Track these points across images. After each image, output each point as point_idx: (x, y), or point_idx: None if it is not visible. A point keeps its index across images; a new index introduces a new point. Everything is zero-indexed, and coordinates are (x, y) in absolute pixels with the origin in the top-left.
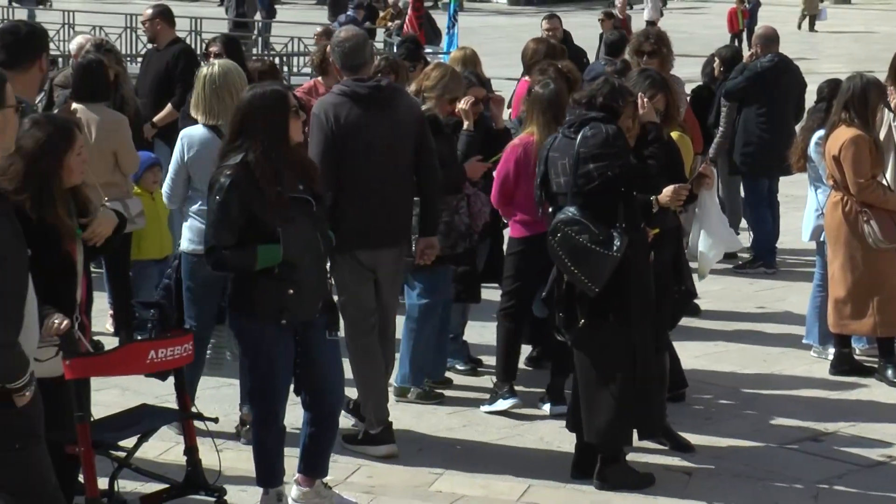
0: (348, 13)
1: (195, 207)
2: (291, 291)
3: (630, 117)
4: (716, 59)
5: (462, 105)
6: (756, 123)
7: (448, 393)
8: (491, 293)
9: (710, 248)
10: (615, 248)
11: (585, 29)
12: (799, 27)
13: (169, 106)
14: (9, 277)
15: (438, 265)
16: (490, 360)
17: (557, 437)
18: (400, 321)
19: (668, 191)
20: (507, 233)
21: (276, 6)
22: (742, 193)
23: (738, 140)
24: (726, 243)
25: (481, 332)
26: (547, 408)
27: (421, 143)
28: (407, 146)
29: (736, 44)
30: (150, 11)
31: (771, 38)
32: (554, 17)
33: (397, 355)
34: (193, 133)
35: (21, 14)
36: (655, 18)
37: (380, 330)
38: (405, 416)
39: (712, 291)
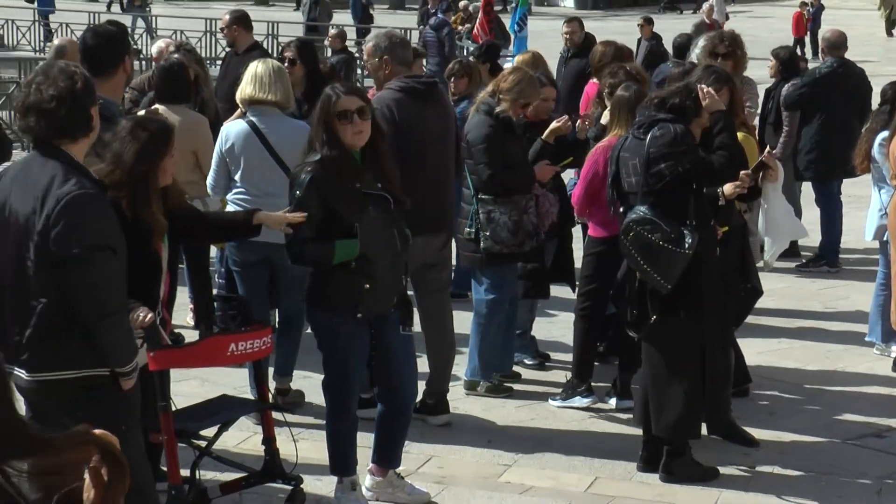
0: (438, 16)
1: (231, 196)
2: (367, 286)
3: (699, 126)
4: (772, 59)
5: (556, 123)
6: (816, 128)
7: (516, 387)
8: (557, 290)
9: (775, 238)
10: (686, 245)
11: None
12: (889, 34)
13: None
14: (121, 269)
15: (506, 262)
16: (557, 356)
17: (624, 430)
18: (468, 316)
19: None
20: (575, 232)
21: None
22: (806, 195)
23: (802, 146)
24: (792, 232)
25: (548, 329)
26: (613, 402)
27: (457, 138)
28: (453, 139)
29: (798, 48)
30: (227, 18)
31: (836, 43)
32: (573, 21)
33: (465, 349)
34: (231, 127)
35: (117, 19)
36: (722, 22)
37: (436, 317)
38: (475, 408)
39: (776, 289)
